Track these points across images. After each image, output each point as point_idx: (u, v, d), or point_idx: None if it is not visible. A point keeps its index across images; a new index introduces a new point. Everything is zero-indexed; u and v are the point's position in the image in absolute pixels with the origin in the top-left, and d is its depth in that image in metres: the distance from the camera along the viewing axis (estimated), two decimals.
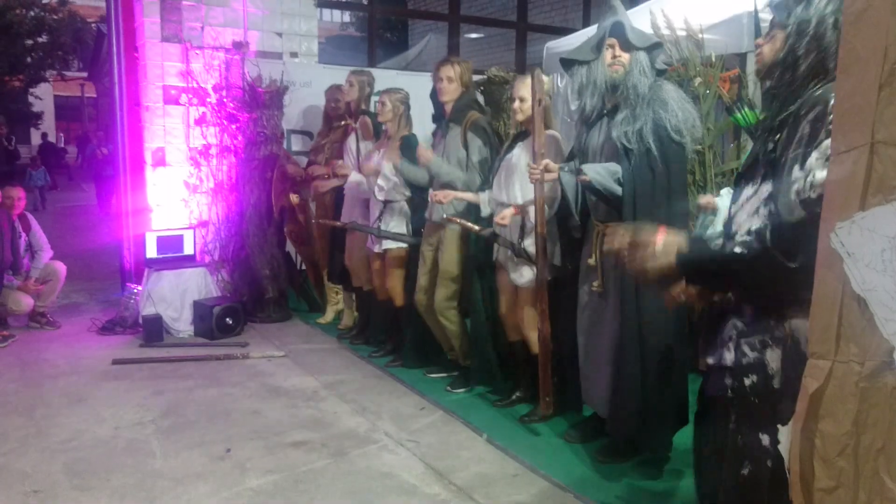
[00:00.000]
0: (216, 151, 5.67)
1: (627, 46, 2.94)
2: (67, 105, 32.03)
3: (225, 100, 5.59)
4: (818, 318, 1.38)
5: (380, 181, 4.46)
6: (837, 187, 1.33)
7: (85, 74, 28.78)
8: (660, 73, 2.97)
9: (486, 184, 3.85)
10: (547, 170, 3.11)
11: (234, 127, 5.60)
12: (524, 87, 3.52)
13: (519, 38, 8.12)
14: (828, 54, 1.63)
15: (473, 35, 12.09)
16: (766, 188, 1.67)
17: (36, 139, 26.05)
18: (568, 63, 3.09)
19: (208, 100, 5.63)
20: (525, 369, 3.86)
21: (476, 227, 3.75)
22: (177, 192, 5.69)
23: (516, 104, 3.57)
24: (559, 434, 3.53)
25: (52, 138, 26.22)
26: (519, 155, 3.59)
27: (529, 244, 3.51)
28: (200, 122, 5.65)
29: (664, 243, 1.74)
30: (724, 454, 1.77)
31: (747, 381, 1.70)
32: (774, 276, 1.60)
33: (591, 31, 5.26)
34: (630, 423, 2.97)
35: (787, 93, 1.69)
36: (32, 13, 22.10)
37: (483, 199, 3.80)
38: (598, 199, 2.93)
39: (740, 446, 1.72)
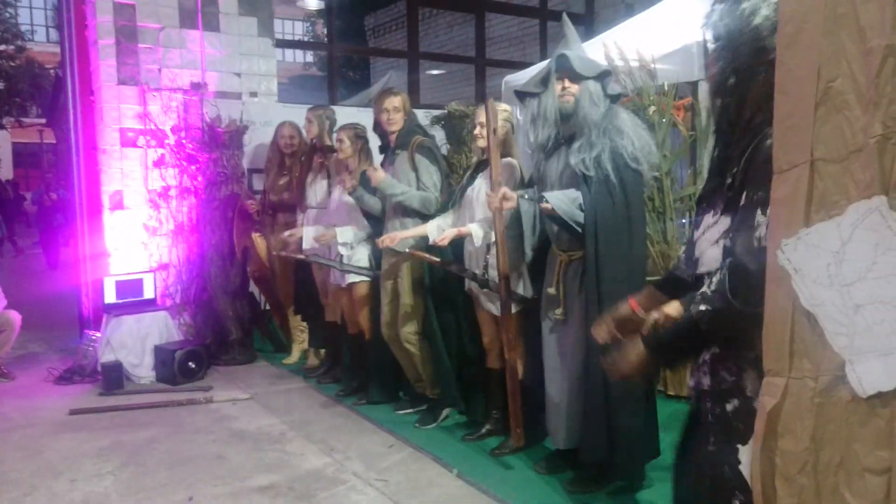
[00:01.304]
0: (176, 193, 5.61)
1: (576, 77, 2.98)
2: (26, 152, 31.54)
3: (184, 141, 5.56)
4: (771, 336, 1.39)
5: (340, 239, 4.45)
6: (781, 205, 1.35)
7: (43, 121, 28.42)
8: (614, 99, 3.02)
9: (441, 210, 3.86)
10: (505, 198, 3.12)
11: (193, 168, 5.56)
12: (482, 115, 3.57)
13: (478, 72, 8.24)
14: (767, 72, 1.53)
15: (434, 71, 12.24)
16: (724, 222, 1.65)
17: None
18: (521, 95, 3.13)
19: (167, 141, 5.58)
20: (496, 399, 3.83)
21: (436, 259, 3.73)
22: (136, 235, 5.59)
23: (477, 130, 3.60)
24: (531, 466, 3.48)
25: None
26: (479, 186, 3.61)
27: (494, 275, 3.51)
28: (159, 163, 5.60)
29: (641, 305, 1.78)
30: (704, 478, 1.75)
31: (729, 407, 1.66)
32: (740, 324, 1.58)
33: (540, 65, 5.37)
34: (599, 449, 2.94)
35: (736, 116, 1.66)
36: None
37: (430, 228, 3.78)
38: (561, 227, 2.94)
39: (724, 472, 1.69)
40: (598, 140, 2.87)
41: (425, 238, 3.88)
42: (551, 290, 3.08)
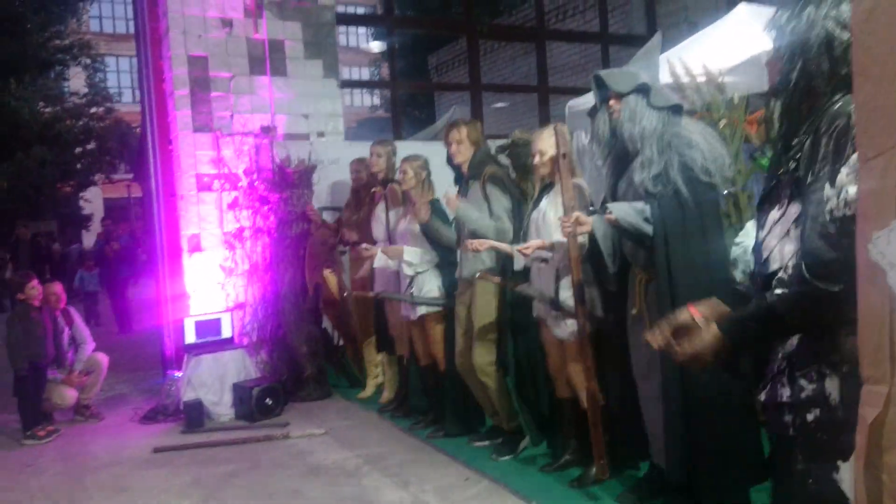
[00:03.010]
0: (249, 233, 5.77)
1: (618, 94, 2.95)
2: (115, 206, 33.38)
3: (255, 182, 5.73)
4: (867, 340, 1.26)
5: (406, 257, 4.44)
6: (870, 196, 1.24)
7: (130, 176, 30.04)
8: (675, 110, 2.93)
9: (516, 235, 3.80)
10: (579, 222, 3.05)
11: (265, 208, 5.71)
12: (540, 141, 3.55)
13: (541, 101, 8.22)
14: (831, 67, 1.58)
15: (498, 104, 12.31)
16: (794, 209, 1.61)
17: (88, 241, 27.06)
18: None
19: (240, 184, 5.77)
20: (573, 429, 3.70)
21: (507, 283, 3.67)
22: (213, 276, 5.76)
23: (536, 159, 3.57)
24: (614, 496, 3.33)
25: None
26: (546, 208, 3.56)
27: (567, 296, 3.42)
28: (233, 206, 5.78)
29: (702, 314, 1.66)
30: (799, 498, 1.62)
31: (810, 417, 1.56)
32: (820, 307, 1.51)
33: None
34: (681, 469, 2.77)
35: (798, 111, 1.64)
36: (81, 122, 23.32)
37: (515, 249, 3.73)
38: (629, 239, 2.85)
39: (813, 491, 1.57)
40: (662, 155, 2.79)
41: (500, 262, 3.84)
42: (634, 311, 2.97)
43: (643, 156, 2.84)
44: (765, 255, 1.70)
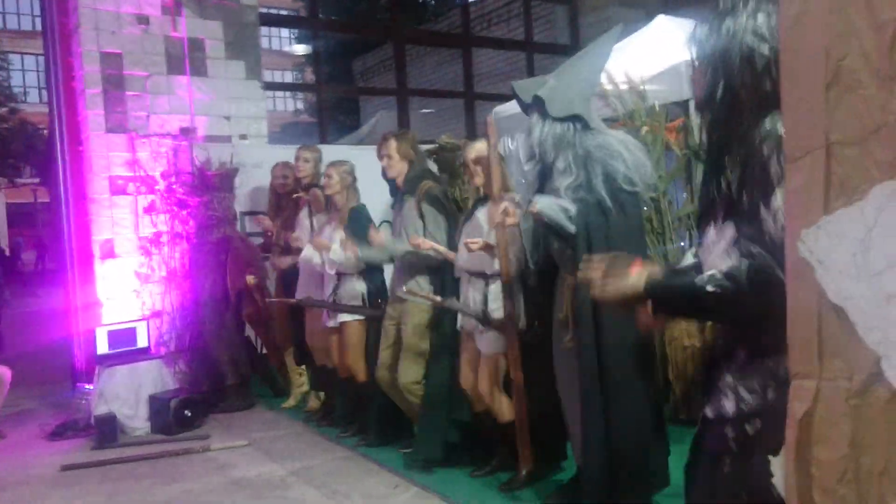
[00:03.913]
0: (167, 239, 5.53)
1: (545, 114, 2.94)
2: (20, 212, 31.58)
3: (174, 186, 5.50)
4: (796, 335, 1.29)
5: (331, 255, 4.36)
6: (797, 194, 1.27)
7: (37, 180, 28.53)
8: (578, 119, 2.92)
9: (451, 248, 3.78)
10: (507, 213, 3.05)
11: (184, 212, 5.49)
12: (473, 151, 3.53)
13: (467, 107, 8.26)
14: (754, 82, 1.58)
15: (424, 110, 12.32)
16: (730, 230, 1.60)
17: None
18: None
19: (157, 187, 5.53)
20: (497, 437, 3.70)
21: (437, 298, 3.65)
22: (128, 283, 5.50)
23: (471, 168, 3.55)
24: (542, 499, 3.34)
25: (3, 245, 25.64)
26: (481, 222, 3.53)
27: (495, 307, 3.42)
28: (150, 210, 5.54)
29: (638, 273, 1.66)
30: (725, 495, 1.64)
31: (750, 429, 1.56)
32: (745, 316, 1.55)
33: None
34: (599, 481, 2.80)
35: (724, 127, 1.64)
36: None
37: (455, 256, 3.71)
38: (552, 234, 2.86)
39: (742, 486, 1.59)
40: (582, 165, 2.80)
41: (431, 281, 3.84)
42: (561, 316, 2.98)
43: (557, 165, 2.86)
44: (705, 271, 1.70)
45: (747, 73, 1.58)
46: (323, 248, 4.38)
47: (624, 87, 4.82)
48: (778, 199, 1.48)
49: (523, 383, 3.32)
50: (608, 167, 2.79)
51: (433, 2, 16.91)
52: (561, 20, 8.95)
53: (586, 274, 1.77)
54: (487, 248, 3.30)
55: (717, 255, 1.65)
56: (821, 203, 1.23)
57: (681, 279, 1.67)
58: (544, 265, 3.23)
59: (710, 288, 1.55)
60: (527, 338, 3.34)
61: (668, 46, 5.08)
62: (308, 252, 4.56)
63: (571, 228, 2.77)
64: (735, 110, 1.62)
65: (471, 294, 3.55)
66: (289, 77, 27.33)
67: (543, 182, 3.03)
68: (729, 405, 1.62)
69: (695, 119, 4.74)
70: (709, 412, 1.68)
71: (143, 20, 5.63)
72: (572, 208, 2.77)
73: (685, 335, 4.39)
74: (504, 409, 3.49)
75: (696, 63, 1.70)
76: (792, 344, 1.30)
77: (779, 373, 1.55)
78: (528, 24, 8.74)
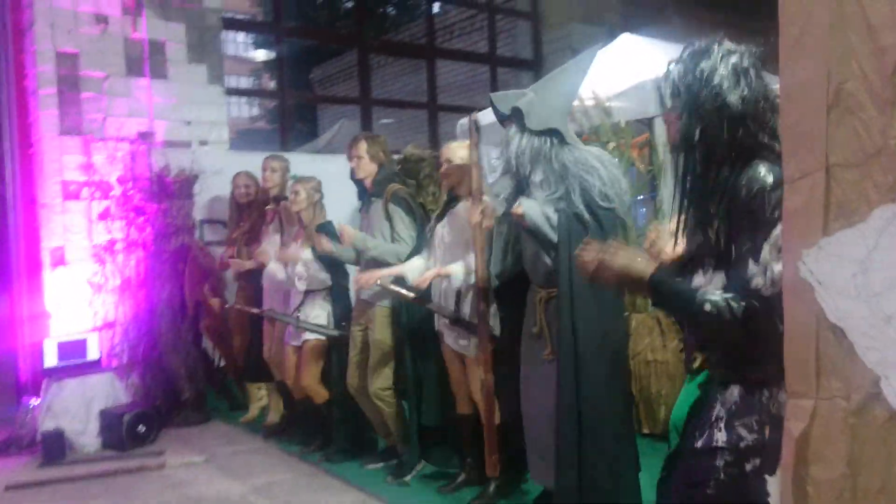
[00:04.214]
0: (122, 246, 5.34)
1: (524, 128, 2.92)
2: None
3: (131, 192, 5.32)
4: (793, 354, 1.30)
5: (299, 268, 4.27)
6: (796, 215, 1.28)
7: None
8: (555, 133, 2.91)
9: (415, 252, 3.75)
10: (485, 213, 3.03)
11: (141, 219, 5.31)
12: (448, 151, 3.53)
13: (431, 118, 8.26)
14: (730, 128, 1.59)
15: (385, 120, 12.27)
16: (719, 279, 1.62)
17: None
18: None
19: (112, 193, 5.34)
20: (471, 446, 3.66)
21: (410, 295, 3.60)
22: (79, 292, 5.28)
23: (444, 168, 3.53)
24: None
25: None
26: (451, 224, 3.52)
27: (468, 311, 3.40)
28: (104, 216, 5.34)
29: (647, 261, 1.69)
30: None
31: (748, 467, 1.56)
32: (734, 347, 1.57)
33: None
34: (572, 492, 2.79)
35: (704, 171, 1.63)
36: None
37: (409, 268, 3.66)
38: (532, 238, 2.84)
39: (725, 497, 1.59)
40: (561, 179, 2.80)
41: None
42: (535, 329, 2.96)
43: (533, 178, 2.84)
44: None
45: (724, 121, 1.58)
46: (291, 260, 4.29)
47: (590, 102, 4.87)
48: (766, 251, 1.50)
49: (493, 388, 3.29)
50: (585, 182, 2.79)
51: (394, 12, 16.90)
52: (523, 35, 9.02)
53: (583, 256, 1.73)
54: (443, 276, 3.32)
55: None
56: (820, 224, 1.24)
57: (684, 286, 1.66)
58: (511, 276, 3.22)
59: (707, 307, 1.56)
60: (500, 345, 3.32)
61: (633, 64, 5.16)
62: (273, 266, 4.47)
63: (553, 237, 2.76)
64: (712, 158, 1.61)
65: (443, 293, 3.52)
66: (245, 83, 26.90)
67: (517, 195, 3.02)
68: (722, 438, 1.61)
69: (659, 137, 4.82)
70: (698, 442, 1.67)
71: (102, 20, 5.46)
72: (554, 217, 2.77)
73: (648, 350, 4.45)
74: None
75: (670, 104, 1.68)
76: (789, 363, 1.31)
77: (774, 412, 1.56)
78: (491, 38, 8.79)
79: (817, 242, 1.24)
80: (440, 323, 3.57)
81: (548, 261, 2.84)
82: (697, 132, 1.60)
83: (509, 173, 2.93)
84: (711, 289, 1.61)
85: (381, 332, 3.90)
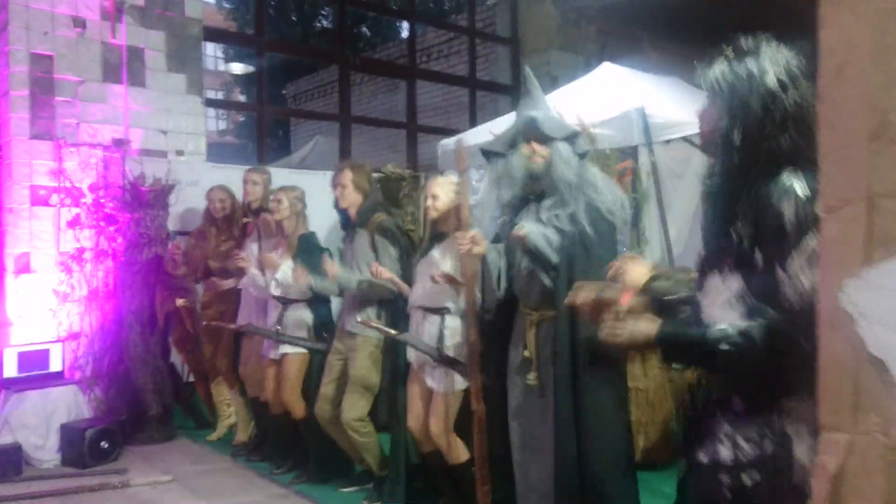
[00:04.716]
0: (91, 255, 5.17)
1: (545, 139, 2.88)
2: None
3: (102, 200, 5.16)
4: (827, 387, 1.27)
5: (277, 275, 4.17)
6: (835, 245, 1.26)
7: None
8: (582, 155, 2.96)
9: (404, 282, 3.69)
10: (474, 241, 2.98)
11: (112, 229, 5.15)
12: (436, 185, 3.45)
13: (409, 138, 8.23)
14: (773, 133, 1.55)
15: (358, 139, 12.22)
16: (736, 282, 1.58)
17: None
18: (487, 154, 3.04)
19: (83, 200, 5.18)
20: (444, 480, 3.59)
21: (393, 332, 3.53)
22: (43, 301, 5.08)
23: (429, 202, 3.47)
24: None
25: None
26: (438, 260, 3.45)
27: (451, 347, 3.34)
28: (73, 224, 5.16)
29: (649, 320, 1.63)
30: None
31: (748, 481, 1.54)
32: (759, 377, 1.53)
33: (504, 120, 5.40)
34: None
35: (739, 173, 1.59)
36: None
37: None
38: (531, 261, 2.80)
39: None
40: (572, 196, 2.79)
41: (378, 313, 3.76)
42: (526, 353, 2.90)
43: (556, 196, 2.83)
44: (706, 320, 1.65)
45: (766, 123, 1.54)
46: (271, 266, 4.18)
47: (576, 128, 4.89)
48: (796, 263, 1.48)
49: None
50: (592, 199, 2.79)
51: (371, 33, 16.93)
52: (503, 60, 9.10)
53: (575, 299, 1.73)
54: (452, 280, 3.22)
55: (719, 306, 1.62)
56: (860, 254, 1.22)
57: (694, 332, 1.62)
58: (501, 300, 3.17)
59: (723, 346, 1.51)
60: (484, 377, 3.26)
61: (616, 93, 5.22)
62: (252, 272, 4.36)
63: (554, 259, 2.73)
64: (749, 159, 1.58)
65: (426, 330, 3.46)
66: (217, 96, 26.65)
67: (517, 212, 2.99)
68: (725, 452, 1.59)
69: (644, 165, 4.86)
70: (702, 457, 1.66)
71: (80, 23, 5.32)
72: (555, 239, 2.74)
73: (629, 377, 4.43)
74: (457, 450, 3.38)
75: (708, 101, 1.65)
76: (823, 395, 1.28)
77: (775, 425, 1.54)
78: (472, 61, 8.83)
79: (858, 273, 1.22)
80: (415, 358, 3.51)
81: (546, 281, 2.80)
82: (739, 134, 1.55)
83: (514, 190, 2.90)
84: (726, 295, 1.57)
85: (362, 363, 3.80)
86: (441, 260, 3.42)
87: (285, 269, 4.12)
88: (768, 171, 1.56)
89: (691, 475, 1.74)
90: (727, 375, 1.59)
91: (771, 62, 1.56)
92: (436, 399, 3.41)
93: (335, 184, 3.95)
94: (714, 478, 1.60)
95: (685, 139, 5.21)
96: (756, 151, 1.57)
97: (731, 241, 1.59)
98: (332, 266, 3.74)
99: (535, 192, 2.90)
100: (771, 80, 1.54)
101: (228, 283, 4.68)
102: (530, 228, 2.73)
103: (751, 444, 1.56)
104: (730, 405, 1.63)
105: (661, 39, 8.96)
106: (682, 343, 1.62)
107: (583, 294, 1.80)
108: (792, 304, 1.45)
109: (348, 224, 4.01)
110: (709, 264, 1.68)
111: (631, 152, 4.98)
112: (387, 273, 3.62)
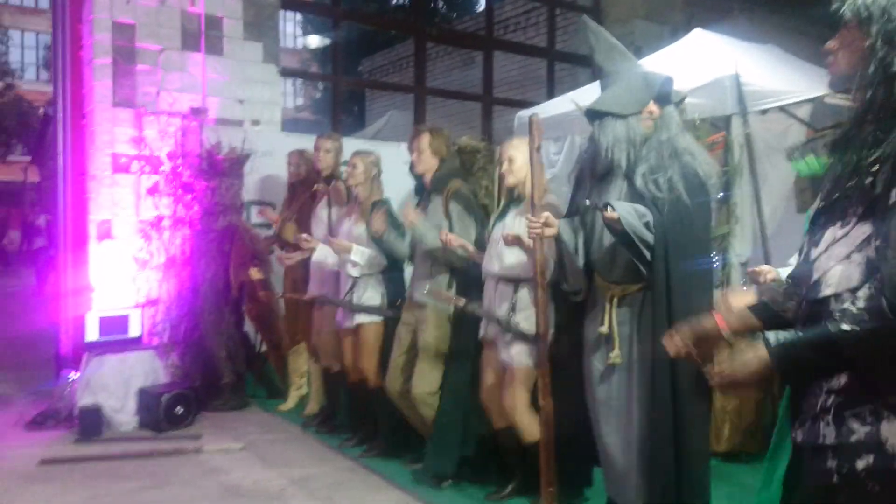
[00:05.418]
0: (169, 223, 5.24)
1: (661, 101, 2.71)
2: (8, 190, 30.99)
3: (180, 168, 5.21)
4: None
5: (352, 256, 4.07)
6: None
7: (28, 158, 28.02)
8: None
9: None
10: (547, 224, 2.80)
11: (189, 197, 5.20)
12: (511, 148, 3.30)
13: (485, 111, 8.04)
14: None
15: (434, 113, 12.09)
16: (862, 230, 1.40)
17: None
18: (595, 114, 2.81)
19: (162, 168, 5.24)
20: (516, 459, 3.44)
21: (461, 302, 3.40)
22: (124, 268, 5.19)
23: (505, 167, 3.32)
24: None
25: None
26: (512, 223, 3.29)
27: (522, 318, 3.18)
28: (153, 191, 5.24)
29: (731, 326, 1.54)
30: None
31: (860, 464, 1.36)
32: (893, 346, 1.32)
33: (580, 92, 5.14)
34: None
35: (883, 113, 1.41)
36: None
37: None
38: (623, 245, 2.61)
39: None
40: (669, 161, 2.59)
41: (450, 281, 3.62)
42: (603, 329, 2.72)
43: (650, 162, 2.63)
44: (815, 276, 1.48)
45: None
46: (343, 251, 4.09)
47: None
48: None
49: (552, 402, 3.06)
50: (686, 164, 2.61)
51: (445, 7, 16.73)
52: (583, 31, 8.74)
53: (672, 349, 1.71)
54: (518, 241, 3.06)
55: (834, 258, 1.44)
56: None
57: (806, 333, 1.45)
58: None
59: (845, 327, 1.34)
60: (554, 351, 3.09)
61: (708, 60, 4.88)
62: (322, 252, 4.29)
63: (650, 238, 2.54)
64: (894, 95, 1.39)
65: (497, 300, 3.31)
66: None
67: (602, 180, 2.79)
68: (829, 432, 1.41)
69: (736, 137, 4.53)
70: (800, 438, 1.48)
71: None
72: (649, 216, 2.54)
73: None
74: (531, 427, 3.22)
75: (850, 27, 1.46)
76: None
77: (890, 401, 1.35)
78: (551, 32, 8.53)
79: None
80: (488, 330, 3.36)
81: (646, 256, 2.60)
82: (885, 67, 1.39)
83: (604, 159, 2.71)
84: (844, 247, 1.41)
85: (433, 335, 3.67)
86: (514, 225, 3.26)
87: (360, 253, 4.02)
88: None
89: (796, 462, 1.57)
90: (862, 361, 1.38)
91: None
92: (510, 373, 3.26)
93: (412, 147, 3.82)
94: (816, 461, 1.43)
95: (783, 109, 4.84)
96: None
97: (861, 185, 1.42)
98: (414, 214, 3.62)
99: (630, 159, 2.68)
100: None
101: (295, 258, 4.63)
102: (622, 209, 2.53)
103: (862, 424, 1.38)
104: (836, 378, 1.43)
105: (755, 6, 8.44)
106: (799, 348, 1.44)
107: (678, 338, 1.68)
108: None
109: (422, 190, 3.89)
110: (828, 215, 1.50)
111: (722, 123, 4.64)
112: (458, 240, 3.47)
